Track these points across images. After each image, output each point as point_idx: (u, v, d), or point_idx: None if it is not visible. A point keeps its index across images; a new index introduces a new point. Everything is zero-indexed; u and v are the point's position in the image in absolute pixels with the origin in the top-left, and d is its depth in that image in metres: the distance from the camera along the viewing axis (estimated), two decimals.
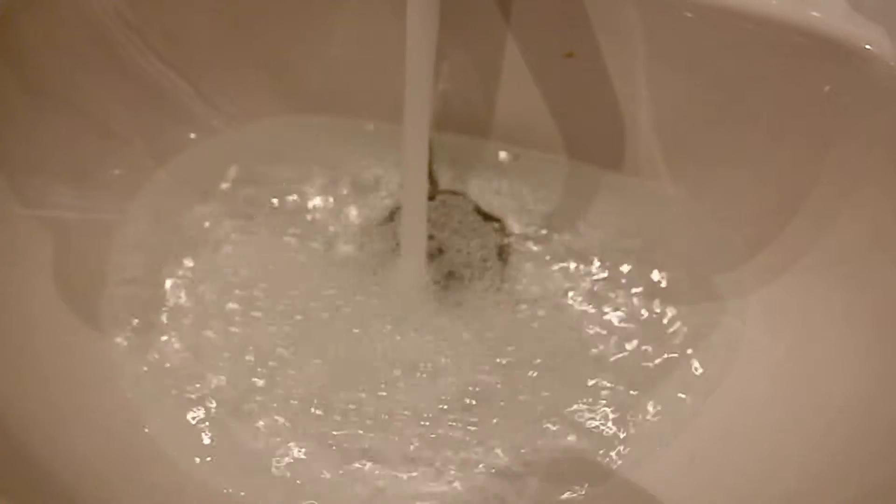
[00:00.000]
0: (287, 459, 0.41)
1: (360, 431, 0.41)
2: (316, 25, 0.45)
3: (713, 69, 0.41)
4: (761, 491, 0.37)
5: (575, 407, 0.42)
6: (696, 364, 0.43)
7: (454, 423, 0.42)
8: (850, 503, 0.34)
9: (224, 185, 0.48)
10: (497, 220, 0.48)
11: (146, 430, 0.40)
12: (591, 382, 0.43)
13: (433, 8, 0.35)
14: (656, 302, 0.45)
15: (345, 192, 0.48)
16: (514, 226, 0.48)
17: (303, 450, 0.41)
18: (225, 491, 0.39)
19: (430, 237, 0.47)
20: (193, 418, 0.41)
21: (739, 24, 0.38)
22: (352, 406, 0.42)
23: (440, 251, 0.47)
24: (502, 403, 0.42)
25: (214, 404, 0.42)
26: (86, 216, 0.44)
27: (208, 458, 0.40)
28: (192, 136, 0.47)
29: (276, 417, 0.42)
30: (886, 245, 0.39)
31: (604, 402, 0.42)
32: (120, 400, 0.41)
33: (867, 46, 0.37)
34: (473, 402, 0.42)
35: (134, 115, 0.45)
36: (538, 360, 0.44)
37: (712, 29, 0.39)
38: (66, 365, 0.40)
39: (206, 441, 0.41)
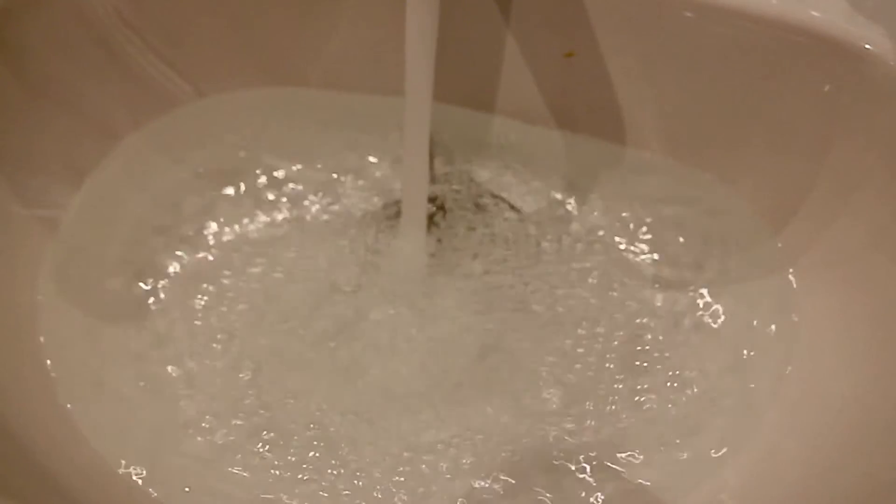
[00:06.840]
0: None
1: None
2: (317, 23, 0.45)
3: (713, 69, 0.41)
4: (761, 491, 0.37)
5: (555, 400, 0.42)
6: (693, 364, 0.43)
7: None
8: (849, 503, 0.34)
9: (224, 179, 0.48)
10: (500, 199, 0.48)
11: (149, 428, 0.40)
12: (585, 375, 0.43)
13: (432, 10, 0.36)
14: (654, 301, 0.45)
15: (345, 176, 0.49)
16: (519, 206, 0.48)
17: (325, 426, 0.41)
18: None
19: (431, 214, 0.47)
20: (200, 423, 0.41)
21: (739, 24, 0.39)
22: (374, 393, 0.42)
23: (441, 228, 0.47)
24: (506, 372, 0.43)
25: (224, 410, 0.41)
26: (85, 216, 0.44)
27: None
28: (191, 133, 0.47)
29: (289, 400, 0.41)
30: (886, 245, 0.39)
31: (598, 395, 0.42)
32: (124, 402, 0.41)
33: (867, 46, 0.37)
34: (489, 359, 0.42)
35: (133, 115, 0.45)
36: (538, 347, 0.44)
37: (712, 29, 0.39)
38: (67, 364, 0.40)
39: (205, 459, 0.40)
